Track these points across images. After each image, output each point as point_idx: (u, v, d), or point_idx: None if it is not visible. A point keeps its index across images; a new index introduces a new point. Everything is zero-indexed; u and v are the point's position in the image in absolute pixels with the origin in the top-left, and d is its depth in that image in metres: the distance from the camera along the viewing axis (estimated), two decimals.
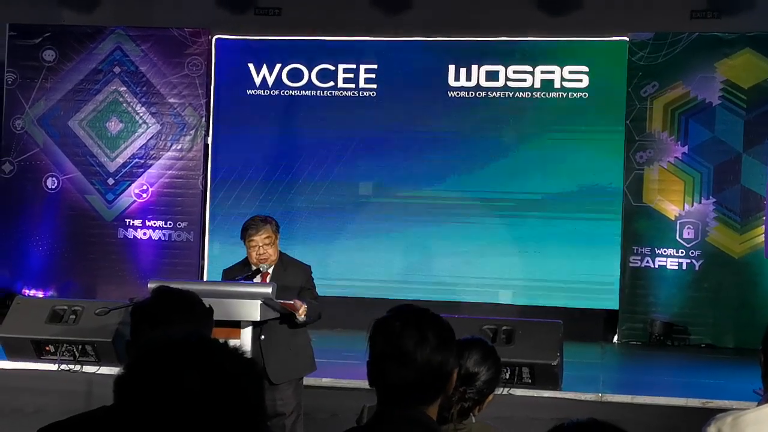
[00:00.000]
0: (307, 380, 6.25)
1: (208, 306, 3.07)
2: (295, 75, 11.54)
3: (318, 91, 11.51)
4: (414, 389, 2.39)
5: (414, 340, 2.38)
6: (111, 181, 11.69)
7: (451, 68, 11.26)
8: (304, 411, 6.15)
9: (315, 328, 6.11)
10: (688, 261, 10.69)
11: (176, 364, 1.52)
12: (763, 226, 10.37)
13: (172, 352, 1.55)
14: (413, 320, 2.43)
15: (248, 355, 1.60)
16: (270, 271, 5.95)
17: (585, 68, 11.05)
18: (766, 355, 3.00)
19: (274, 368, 5.79)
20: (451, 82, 11.26)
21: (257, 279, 5.91)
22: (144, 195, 11.64)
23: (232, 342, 1.61)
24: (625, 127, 10.84)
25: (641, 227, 10.80)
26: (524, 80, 11.14)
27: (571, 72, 11.07)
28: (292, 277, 5.97)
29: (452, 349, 2.45)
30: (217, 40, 11.69)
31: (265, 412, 1.58)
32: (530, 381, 7.00)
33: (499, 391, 6.99)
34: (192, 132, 11.62)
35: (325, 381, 7.12)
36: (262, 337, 5.80)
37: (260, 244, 5.88)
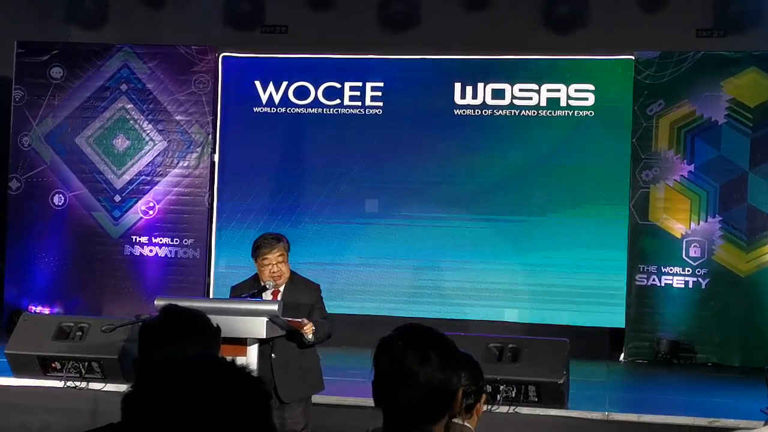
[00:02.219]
0: (315, 398, 6.25)
1: (215, 326, 3.08)
2: (301, 93, 11.56)
3: (324, 109, 11.53)
4: (419, 409, 2.38)
5: (416, 361, 2.37)
6: (117, 198, 11.71)
7: (457, 86, 11.27)
8: (312, 429, 6.15)
9: (322, 346, 6.11)
10: (695, 279, 10.67)
11: (185, 382, 1.52)
12: None
13: (181, 369, 1.55)
14: (416, 340, 2.42)
15: (255, 373, 1.60)
16: (281, 289, 5.96)
17: (591, 86, 11.06)
18: None
19: (284, 387, 5.80)
20: (457, 100, 11.27)
21: (268, 296, 5.92)
22: (150, 212, 11.65)
23: (240, 360, 1.61)
24: (631, 146, 10.84)
25: (647, 245, 10.79)
26: (530, 98, 11.15)
27: (577, 90, 11.07)
28: (302, 295, 5.97)
29: (456, 368, 2.44)
30: (223, 57, 11.72)
31: (272, 429, 1.58)
32: (536, 399, 6.99)
33: (505, 409, 7.01)
34: (198, 149, 11.64)
35: (333, 399, 7.12)
36: (273, 356, 5.81)
37: (274, 262, 5.88)
